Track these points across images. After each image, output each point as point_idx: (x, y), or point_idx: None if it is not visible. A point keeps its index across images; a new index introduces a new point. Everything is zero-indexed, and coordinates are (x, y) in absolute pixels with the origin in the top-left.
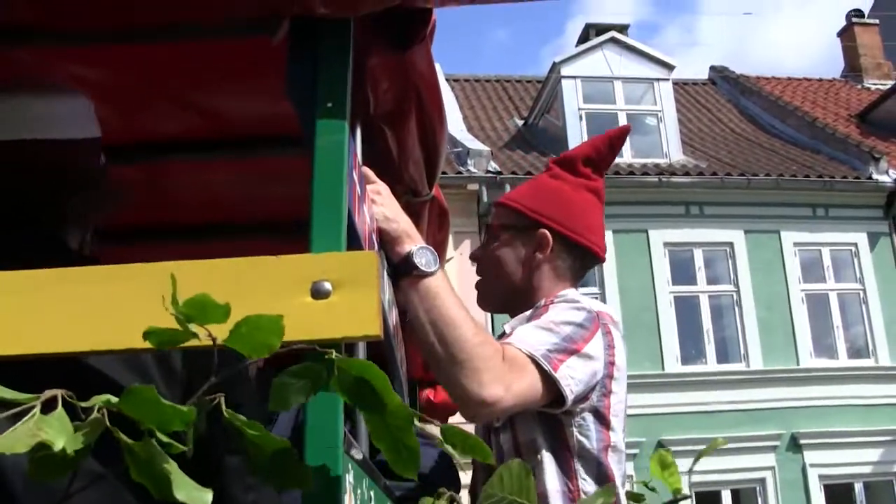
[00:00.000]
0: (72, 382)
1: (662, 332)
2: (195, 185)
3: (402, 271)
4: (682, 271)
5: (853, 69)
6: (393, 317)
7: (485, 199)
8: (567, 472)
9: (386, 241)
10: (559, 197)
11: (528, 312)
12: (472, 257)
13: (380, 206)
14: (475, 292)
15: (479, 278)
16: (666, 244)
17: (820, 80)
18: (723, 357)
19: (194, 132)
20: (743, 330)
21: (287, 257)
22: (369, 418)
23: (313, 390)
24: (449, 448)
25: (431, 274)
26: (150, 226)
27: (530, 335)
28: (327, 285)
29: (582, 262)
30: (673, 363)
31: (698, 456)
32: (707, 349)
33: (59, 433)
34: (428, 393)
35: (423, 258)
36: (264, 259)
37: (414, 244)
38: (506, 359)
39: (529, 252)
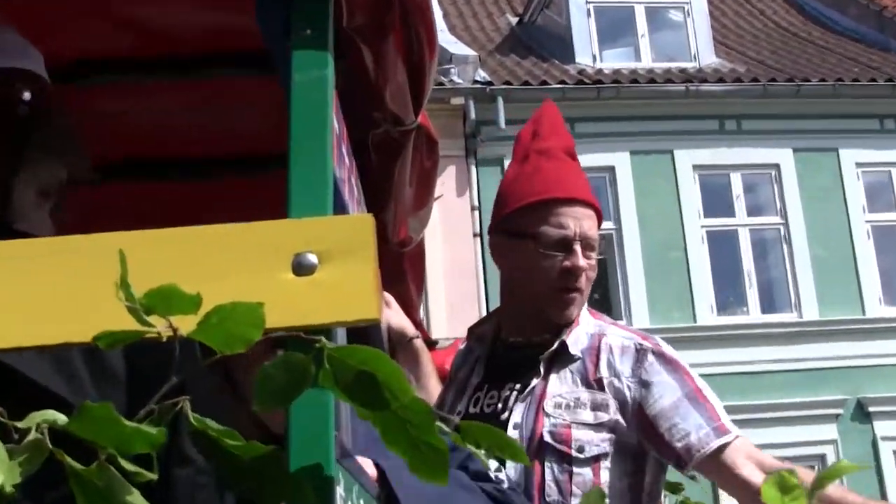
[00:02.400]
0: None
1: (693, 276)
2: (141, 114)
3: None
4: (716, 200)
5: None
6: None
7: (472, 115)
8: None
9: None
10: None
11: (615, 350)
12: (580, 268)
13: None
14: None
15: (576, 292)
16: (696, 167)
17: None
18: (768, 305)
19: (131, 50)
20: (793, 272)
21: (262, 224)
22: (378, 418)
23: (299, 388)
24: (472, 448)
25: None
26: (97, 163)
27: (717, 408)
28: (312, 258)
29: None
30: (706, 313)
31: (816, 484)
32: (749, 296)
33: None
34: None
35: None
36: (234, 227)
37: None
38: None
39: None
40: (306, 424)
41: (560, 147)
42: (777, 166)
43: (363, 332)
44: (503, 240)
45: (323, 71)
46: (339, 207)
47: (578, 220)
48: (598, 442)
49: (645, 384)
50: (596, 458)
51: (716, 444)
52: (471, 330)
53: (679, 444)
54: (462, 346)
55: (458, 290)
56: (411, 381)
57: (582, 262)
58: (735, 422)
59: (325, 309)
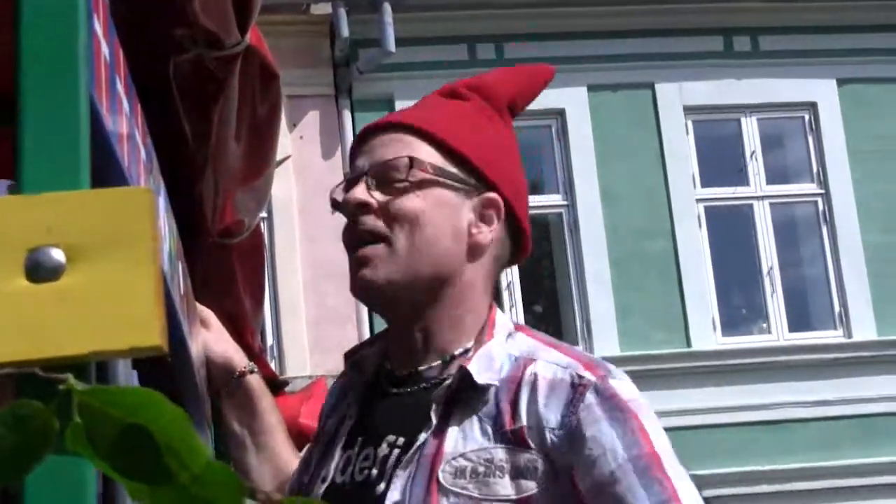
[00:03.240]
0: None
1: (686, 277)
2: None
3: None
4: (719, 159)
5: None
6: (179, 283)
7: (344, 31)
8: None
9: None
10: (506, 151)
11: (541, 385)
12: (354, 202)
13: None
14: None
15: (371, 241)
16: (689, 110)
17: None
18: (800, 320)
19: None
20: (838, 268)
21: None
22: (158, 498)
23: (35, 455)
24: None
25: None
26: None
27: (679, 487)
28: (56, 254)
29: (511, 258)
30: (707, 334)
31: None
32: (770, 306)
33: None
34: None
35: None
36: None
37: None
38: None
39: (469, 219)
40: None
41: (485, 86)
42: (813, 106)
43: (161, 367)
44: None
45: None
46: (114, 178)
47: (370, 153)
48: None
49: (575, 439)
50: None
51: None
52: (347, 356)
53: None
54: (336, 383)
55: (326, 302)
56: (244, 440)
57: (355, 193)
58: (758, 496)
59: (76, 331)
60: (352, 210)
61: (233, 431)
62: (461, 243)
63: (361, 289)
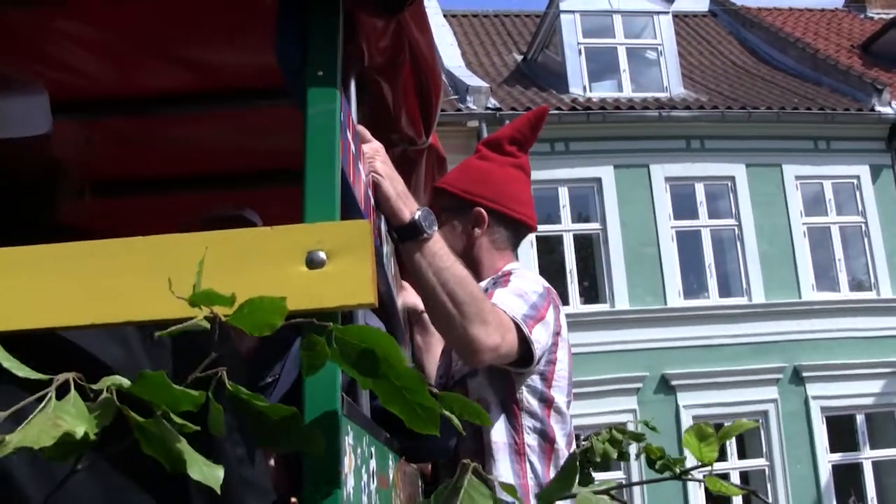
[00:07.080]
0: (49, 354)
1: (664, 267)
2: (188, 138)
3: (408, 235)
4: (683, 206)
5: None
6: (392, 267)
7: (485, 135)
8: (514, 426)
9: (384, 201)
10: (489, 176)
11: (484, 283)
12: None
13: (379, 166)
14: None
15: None
16: (667, 179)
17: (822, 10)
18: (725, 291)
19: (185, 85)
20: (745, 264)
21: (282, 228)
22: (377, 384)
23: (318, 365)
24: (447, 413)
25: (432, 235)
26: (147, 177)
27: (509, 300)
28: (322, 255)
29: (516, 233)
30: (675, 297)
31: (722, 435)
32: (709, 283)
33: (77, 420)
34: None
35: (427, 221)
36: (260, 230)
37: (415, 207)
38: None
39: (467, 229)
40: (316, 386)
41: (489, 140)
42: (732, 178)
43: (387, 310)
44: None
45: (331, 104)
46: (353, 215)
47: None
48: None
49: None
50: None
51: None
52: None
53: None
54: None
55: None
56: (422, 346)
57: None
58: (696, 386)
59: (332, 295)
60: None
61: (417, 344)
62: (466, 240)
63: None
